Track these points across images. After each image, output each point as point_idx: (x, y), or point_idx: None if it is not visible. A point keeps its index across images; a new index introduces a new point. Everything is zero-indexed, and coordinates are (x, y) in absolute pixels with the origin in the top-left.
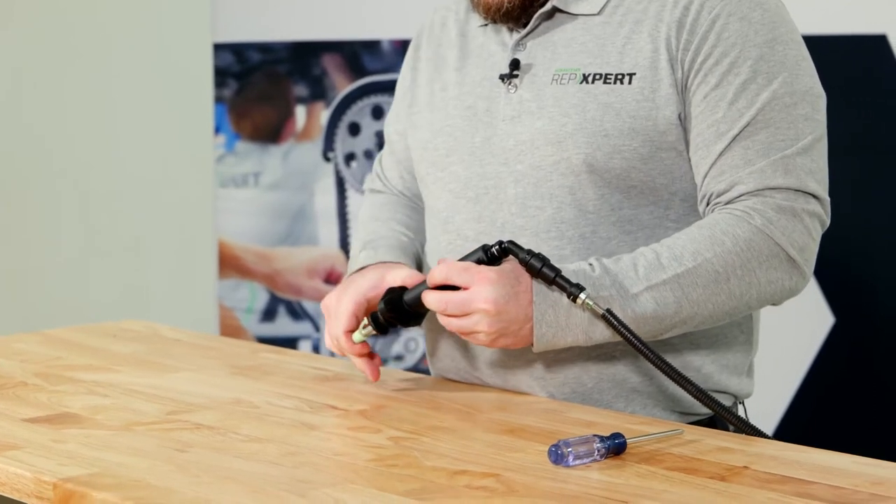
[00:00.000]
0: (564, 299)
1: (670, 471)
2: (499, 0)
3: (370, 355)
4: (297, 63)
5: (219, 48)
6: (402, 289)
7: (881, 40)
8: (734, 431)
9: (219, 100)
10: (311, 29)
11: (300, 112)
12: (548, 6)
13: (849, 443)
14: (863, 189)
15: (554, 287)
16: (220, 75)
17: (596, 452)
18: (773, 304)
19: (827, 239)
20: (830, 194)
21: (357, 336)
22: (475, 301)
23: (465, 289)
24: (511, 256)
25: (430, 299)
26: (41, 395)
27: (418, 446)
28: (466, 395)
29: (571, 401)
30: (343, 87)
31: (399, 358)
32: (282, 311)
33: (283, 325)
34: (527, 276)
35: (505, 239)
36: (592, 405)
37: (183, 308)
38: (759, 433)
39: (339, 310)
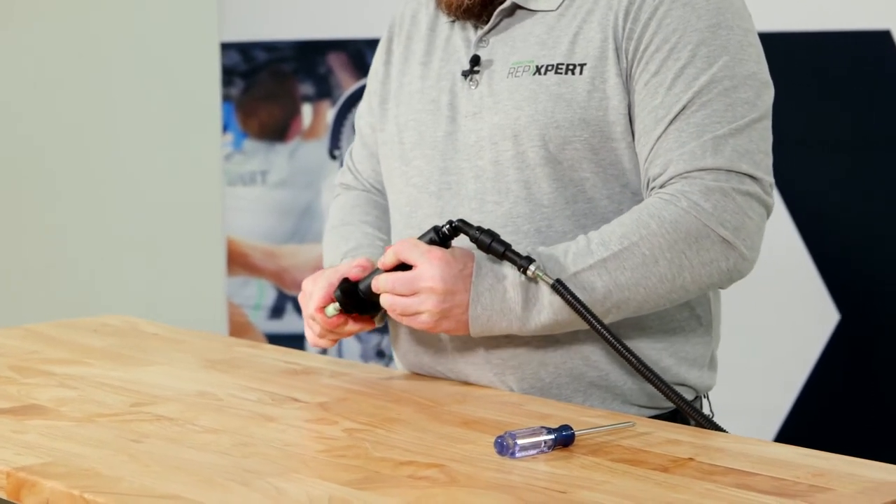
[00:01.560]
0: (501, 284)
1: (615, 462)
2: None
3: (351, 319)
4: (303, 62)
5: (226, 47)
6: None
7: (885, 36)
8: (695, 424)
9: (226, 98)
10: (317, 28)
11: (306, 110)
12: (507, 3)
13: (855, 441)
14: (866, 185)
15: (504, 262)
16: (228, 74)
17: (543, 444)
18: (720, 288)
19: (832, 235)
20: (834, 190)
21: (329, 310)
22: (423, 279)
23: (414, 267)
24: (462, 236)
25: (380, 280)
26: (11, 388)
27: (371, 438)
28: (430, 389)
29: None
30: (348, 85)
31: None
32: (290, 307)
33: (291, 321)
34: (472, 260)
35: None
36: (552, 400)
37: (192, 305)
38: (711, 422)
39: (312, 292)
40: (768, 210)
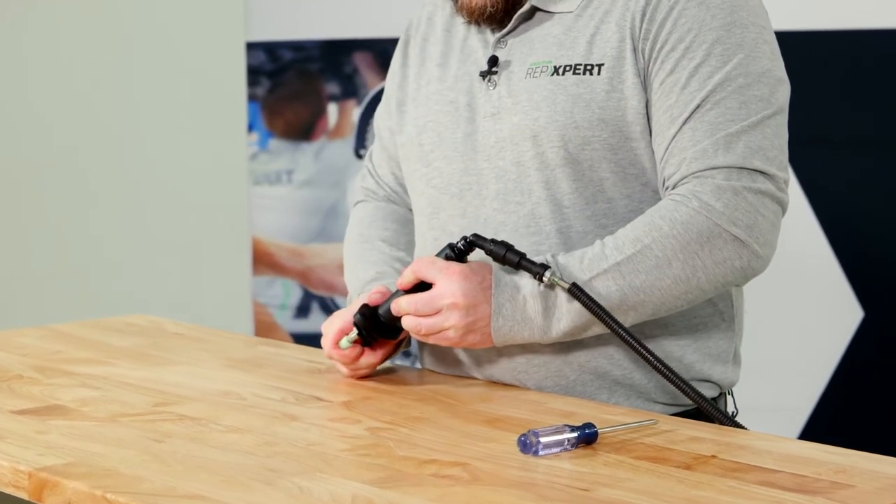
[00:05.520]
0: (520, 294)
1: (638, 460)
2: (481, 4)
3: (365, 350)
4: (329, 61)
5: (252, 47)
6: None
7: None
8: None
9: (252, 98)
10: (343, 27)
11: (332, 110)
12: (527, 6)
13: (879, 439)
14: (891, 183)
15: (521, 271)
16: (253, 74)
17: (566, 442)
18: (737, 285)
19: (856, 232)
20: (858, 187)
21: (343, 342)
22: (444, 297)
23: (433, 285)
24: (478, 250)
25: (401, 303)
26: (34, 388)
27: (394, 436)
28: (454, 387)
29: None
30: (374, 84)
31: None
32: (315, 307)
33: (317, 321)
34: (490, 272)
35: (486, 234)
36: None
37: (218, 305)
38: (731, 420)
39: (330, 326)
40: (783, 206)
